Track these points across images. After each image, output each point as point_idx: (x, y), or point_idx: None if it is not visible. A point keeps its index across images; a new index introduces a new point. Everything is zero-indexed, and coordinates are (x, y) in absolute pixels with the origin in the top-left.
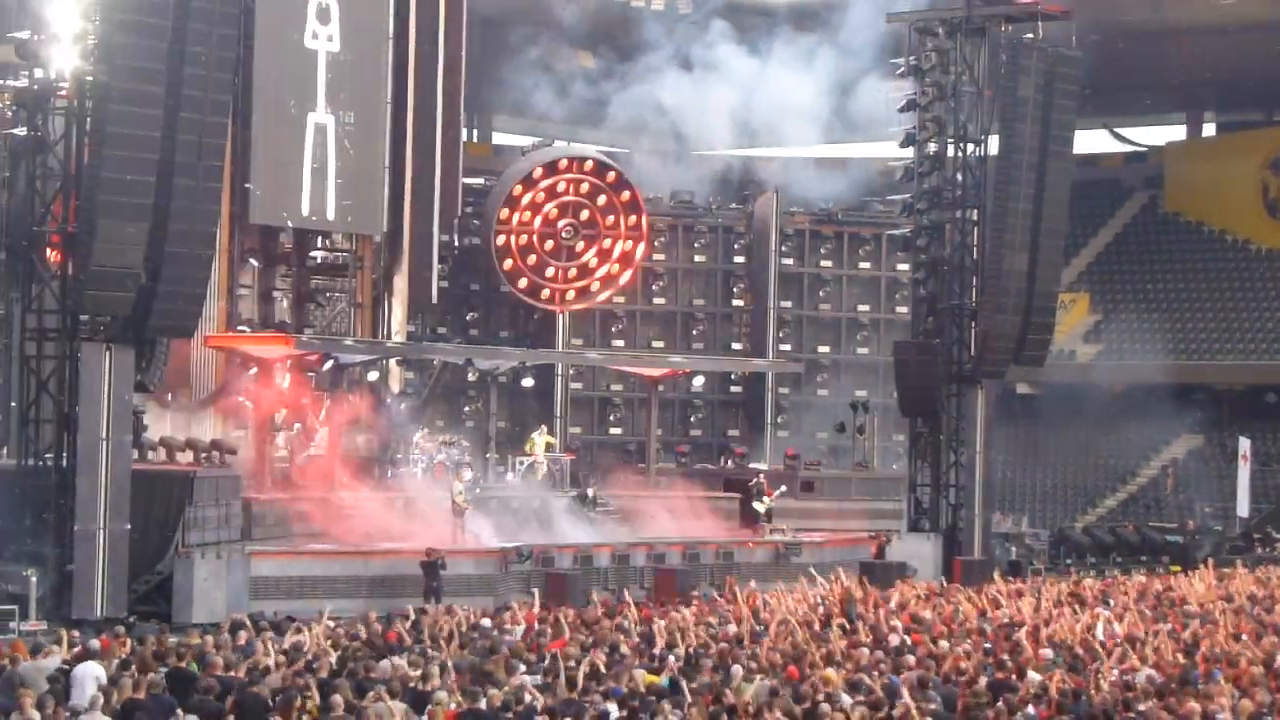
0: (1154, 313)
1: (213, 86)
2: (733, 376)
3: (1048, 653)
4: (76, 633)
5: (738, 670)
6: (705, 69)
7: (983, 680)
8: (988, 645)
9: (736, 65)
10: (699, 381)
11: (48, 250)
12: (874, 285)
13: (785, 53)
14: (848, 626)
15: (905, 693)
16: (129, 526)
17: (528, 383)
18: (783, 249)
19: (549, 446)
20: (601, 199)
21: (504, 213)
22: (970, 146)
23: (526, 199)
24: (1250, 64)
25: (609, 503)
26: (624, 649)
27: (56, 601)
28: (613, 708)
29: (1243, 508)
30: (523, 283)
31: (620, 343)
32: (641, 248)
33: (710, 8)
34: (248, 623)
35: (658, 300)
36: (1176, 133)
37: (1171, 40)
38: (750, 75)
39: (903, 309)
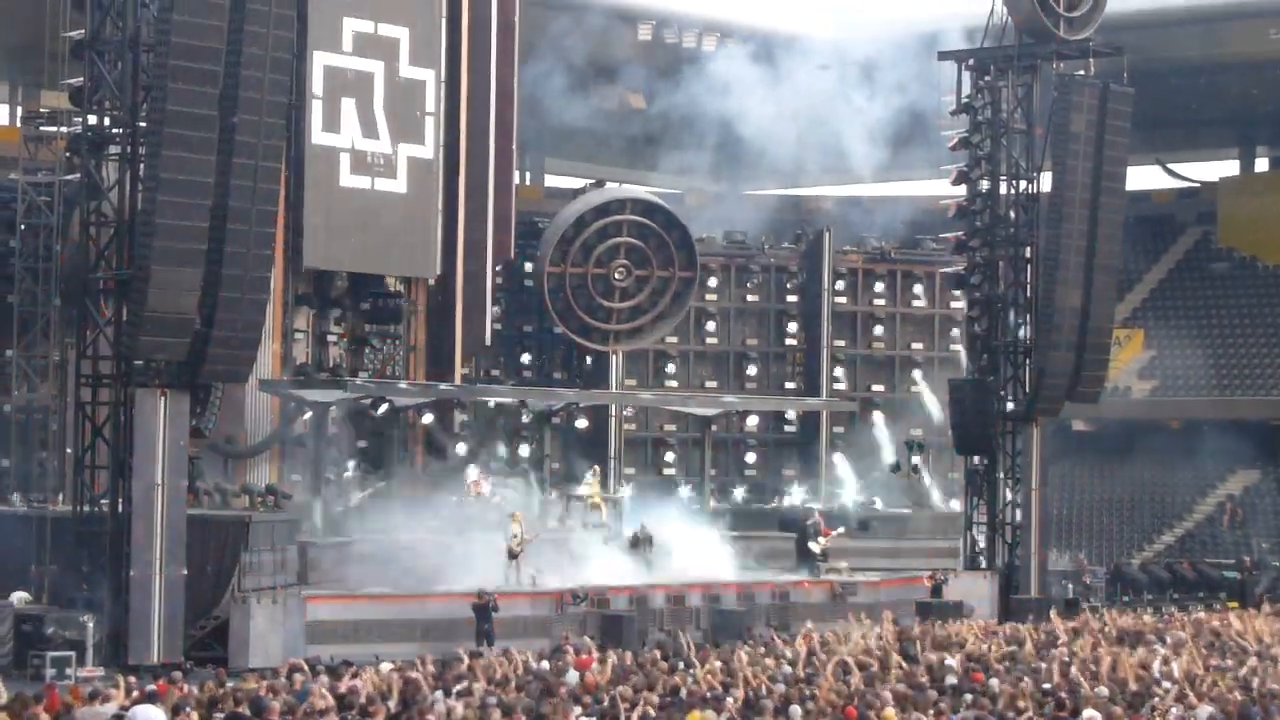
0: (1209, 348)
1: (265, 131)
2: (787, 416)
3: (1104, 690)
4: (134, 678)
5: (796, 711)
6: (757, 109)
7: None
8: (1046, 684)
9: (788, 105)
10: (753, 421)
11: (102, 296)
12: (928, 323)
13: (837, 90)
14: (905, 666)
15: None
16: (185, 571)
17: (581, 423)
18: (836, 287)
19: (602, 487)
20: (653, 239)
21: (556, 254)
22: (1022, 183)
23: (579, 240)
24: None
25: (664, 543)
26: (680, 690)
27: (113, 647)
28: None
29: None
30: (575, 324)
31: (673, 383)
32: (694, 287)
33: (764, 47)
34: (304, 667)
35: (710, 340)
36: (1229, 168)
37: (1224, 75)
38: (802, 114)
39: (957, 347)
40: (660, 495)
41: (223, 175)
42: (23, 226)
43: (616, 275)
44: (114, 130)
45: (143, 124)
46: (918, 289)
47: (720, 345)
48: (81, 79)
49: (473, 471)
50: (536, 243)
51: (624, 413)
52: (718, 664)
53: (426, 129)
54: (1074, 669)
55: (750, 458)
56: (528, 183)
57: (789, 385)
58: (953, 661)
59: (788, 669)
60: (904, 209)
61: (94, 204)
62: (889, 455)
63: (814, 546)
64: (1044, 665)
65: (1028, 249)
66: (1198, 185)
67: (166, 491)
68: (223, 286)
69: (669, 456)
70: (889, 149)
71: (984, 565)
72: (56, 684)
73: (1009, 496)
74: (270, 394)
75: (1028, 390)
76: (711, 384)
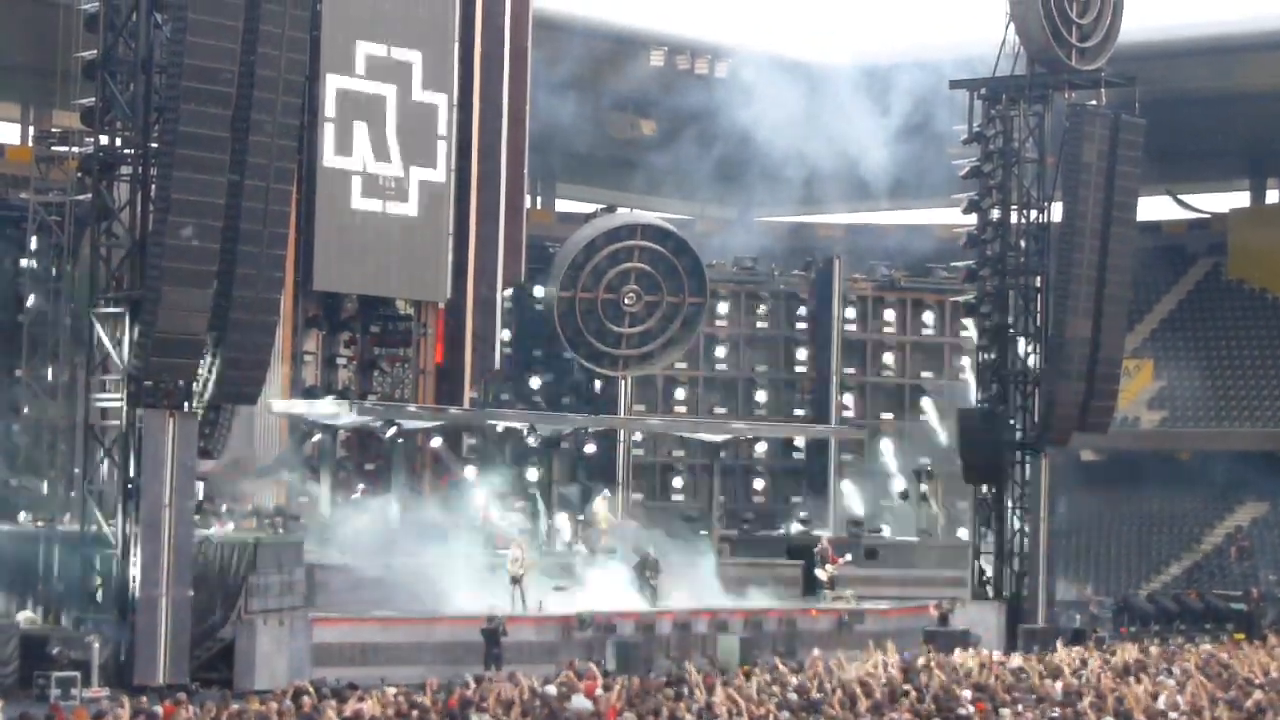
0: (1218, 379)
1: (277, 154)
2: (795, 443)
3: None
4: (143, 699)
5: None
6: (769, 135)
7: None
8: (1053, 714)
9: (800, 129)
10: (761, 447)
11: (112, 316)
12: (937, 351)
13: (849, 116)
14: (912, 695)
15: None
16: (191, 593)
17: (590, 449)
18: (846, 314)
19: (609, 513)
20: (664, 265)
21: (567, 279)
22: (1033, 213)
23: (589, 265)
24: None
25: (671, 569)
26: (686, 718)
27: (119, 668)
28: None
29: None
30: (585, 349)
31: (682, 408)
32: (704, 313)
33: (774, 72)
34: (310, 690)
35: (720, 366)
36: (1240, 199)
37: (1235, 106)
38: (814, 141)
39: (966, 375)
40: (668, 521)
41: (234, 197)
42: (34, 246)
43: (627, 300)
44: (125, 151)
45: (154, 145)
46: (928, 317)
47: (730, 371)
48: (93, 99)
49: (481, 496)
50: (547, 267)
51: (633, 438)
52: (723, 691)
53: (438, 153)
54: (1081, 700)
55: (759, 484)
56: (539, 207)
57: (798, 412)
58: (965, 692)
59: (794, 697)
60: (915, 237)
61: (105, 224)
62: (898, 483)
63: (821, 574)
64: (1050, 696)
65: (1038, 278)
66: (1208, 216)
67: (174, 512)
68: (233, 308)
69: (677, 482)
70: (899, 176)
71: (991, 595)
72: (62, 704)
73: (1017, 526)
74: (279, 416)
75: (1037, 420)
76: (720, 410)
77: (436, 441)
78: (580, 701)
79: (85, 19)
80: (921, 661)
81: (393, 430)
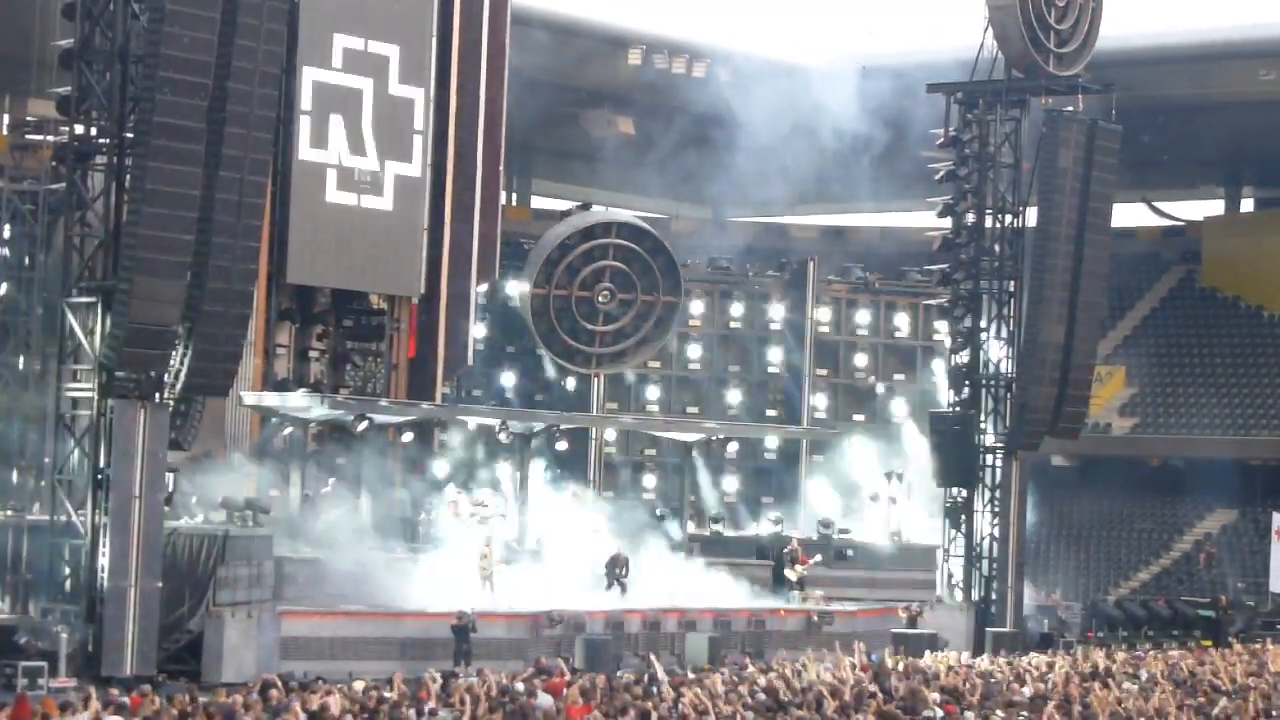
0: (1190, 387)
1: (252, 145)
2: (767, 443)
3: None
4: (115, 690)
5: None
6: (744, 135)
7: None
8: (1019, 718)
9: (777, 130)
10: (733, 447)
11: (85, 306)
12: (910, 353)
13: (826, 117)
14: (880, 697)
15: None
16: (160, 584)
17: (561, 446)
18: (819, 316)
19: (578, 511)
20: (638, 264)
21: (541, 276)
22: (1008, 218)
23: (564, 262)
24: None
25: (640, 568)
26: (653, 716)
27: (86, 658)
28: None
29: (1275, 583)
30: (558, 346)
31: (654, 407)
32: (677, 313)
33: (750, 74)
34: (278, 683)
35: (693, 365)
36: (1215, 207)
37: (1212, 114)
38: (790, 140)
39: (938, 378)
40: (638, 520)
41: (208, 188)
42: (6, 235)
43: (600, 298)
44: (100, 140)
45: (129, 135)
46: (901, 319)
47: (702, 371)
48: (69, 88)
49: (451, 491)
50: (522, 264)
51: (604, 436)
52: (691, 690)
53: (414, 148)
54: (1048, 705)
55: (730, 484)
56: (514, 203)
57: (770, 412)
58: (933, 695)
59: (761, 697)
60: (889, 239)
61: (79, 214)
62: (868, 485)
63: (790, 575)
64: (1017, 700)
65: (1011, 283)
66: (1183, 224)
67: (144, 504)
68: (206, 300)
69: (648, 481)
70: (875, 179)
71: (960, 598)
72: (28, 694)
73: (987, 530)
74: (250, 408)
75: (1008, 424)
76: (692, 409)
77: (408, 436)
78: (544, 699)
79: (62, 8)
80: (889, 663)
81: (364, 424)
